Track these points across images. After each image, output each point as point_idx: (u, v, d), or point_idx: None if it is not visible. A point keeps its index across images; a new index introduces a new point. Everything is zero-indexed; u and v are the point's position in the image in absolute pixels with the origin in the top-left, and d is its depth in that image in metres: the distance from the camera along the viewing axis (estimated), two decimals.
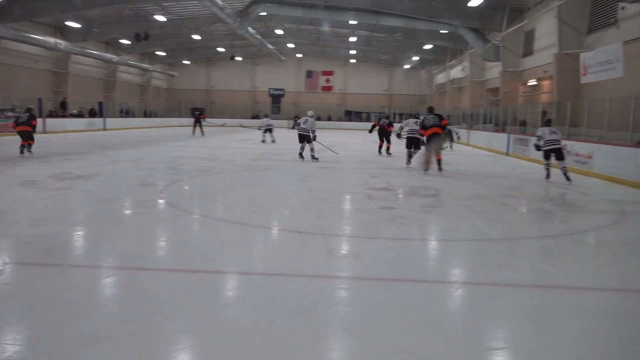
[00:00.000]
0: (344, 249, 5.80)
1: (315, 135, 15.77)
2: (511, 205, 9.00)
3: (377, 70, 54.08)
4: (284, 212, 7.93)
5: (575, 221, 7.88)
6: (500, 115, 25.27)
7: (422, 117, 15.69)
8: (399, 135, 17.23)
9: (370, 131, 20.51)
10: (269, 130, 25.50)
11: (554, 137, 12.26)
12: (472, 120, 29.57)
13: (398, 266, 5.20)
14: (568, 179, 12.10)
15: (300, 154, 16.14)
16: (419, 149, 14.76)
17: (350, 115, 53.65)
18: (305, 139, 15.74)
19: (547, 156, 12.50)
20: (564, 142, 13.14)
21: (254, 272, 4.98)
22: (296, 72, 55.15)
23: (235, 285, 4.71)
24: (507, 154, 20.98)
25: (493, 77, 31.59)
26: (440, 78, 42.40)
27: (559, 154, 12.28)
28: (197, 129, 31.29)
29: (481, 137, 25.87)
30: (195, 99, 54.81)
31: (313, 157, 15.99)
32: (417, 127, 14.66)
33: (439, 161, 13.69)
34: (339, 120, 53.00)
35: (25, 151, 15.45)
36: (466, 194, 9.87)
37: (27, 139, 15.55)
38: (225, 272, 5.00)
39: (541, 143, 12.39)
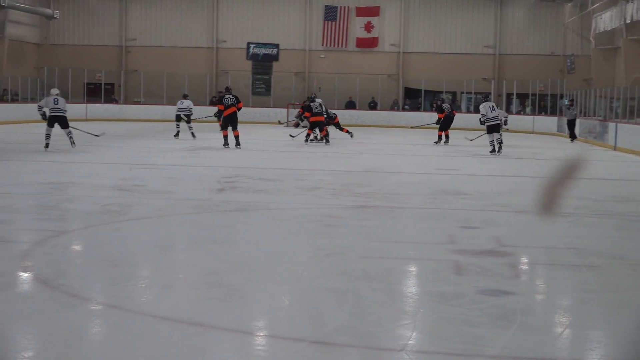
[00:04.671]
0: None
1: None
2: None
3: (472, 7, 29.88)
4: (280, 301, 4.43)
5: None
6: None
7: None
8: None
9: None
10: (186, 117, 17.49)
11: (495, 113, 14.68)
12: None
13: None
14: (500, 149, 14.72)
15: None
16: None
17: (417, 98, 29.92)
18: None
19: (490, 131, 15.01)
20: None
21: None
22: (303, 11, 30.32)
23: None
24: None
25: None
26: (606, 21, 24.05)
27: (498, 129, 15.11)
28: None
29: None
30: (96, 63, 29.95)
31: None
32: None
33: (325, 137, 16.34)
34: (393, 108, 29.70)
35: None
36: None
37: None
38: None
39: (483, 119, 14.85)
